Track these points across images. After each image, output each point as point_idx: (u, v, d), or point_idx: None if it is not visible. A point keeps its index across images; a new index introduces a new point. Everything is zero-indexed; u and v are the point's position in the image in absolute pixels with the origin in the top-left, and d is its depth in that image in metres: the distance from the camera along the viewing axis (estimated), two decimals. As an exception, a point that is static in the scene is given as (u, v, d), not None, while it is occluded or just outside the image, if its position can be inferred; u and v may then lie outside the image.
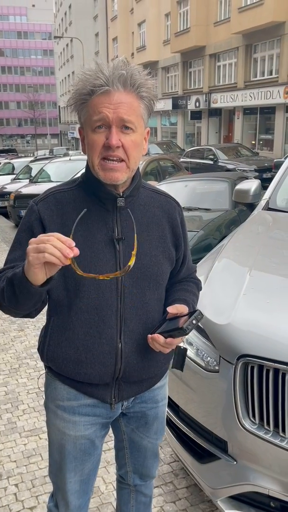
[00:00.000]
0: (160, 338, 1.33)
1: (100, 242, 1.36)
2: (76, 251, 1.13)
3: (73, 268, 1.17)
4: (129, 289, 1.39)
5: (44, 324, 1.52)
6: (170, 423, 2.23)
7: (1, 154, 26.13)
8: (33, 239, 1.15)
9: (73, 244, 1.13)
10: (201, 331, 2.03)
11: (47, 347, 1.45)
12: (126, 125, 1.26)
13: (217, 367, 1.88)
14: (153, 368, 1.49)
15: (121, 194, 1.35)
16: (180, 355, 1.54)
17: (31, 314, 1.37)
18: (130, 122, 1.26)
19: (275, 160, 13.69)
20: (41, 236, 1.14)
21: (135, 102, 1.27)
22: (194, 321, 1.29)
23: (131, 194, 1.38)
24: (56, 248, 1.11)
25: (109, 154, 1.27)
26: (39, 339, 1.52)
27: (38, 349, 1.51)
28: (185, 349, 1.55)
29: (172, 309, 1.37)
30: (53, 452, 1.57)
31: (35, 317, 1.52)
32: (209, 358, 1.94)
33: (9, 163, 17.23)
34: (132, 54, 32.88)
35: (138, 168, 1.39)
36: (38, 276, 1.16)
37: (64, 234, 1.28)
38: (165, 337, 1.33)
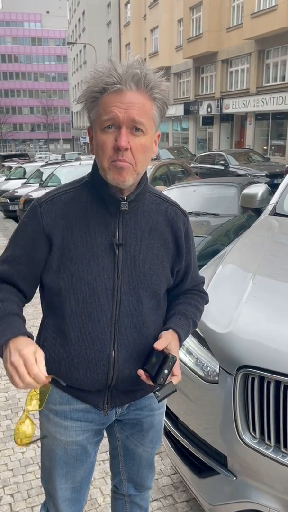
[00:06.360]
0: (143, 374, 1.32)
1: (99, 246, 1.32)
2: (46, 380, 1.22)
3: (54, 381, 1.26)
4: (126, 296, 1.35)
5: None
6: (168, 435, 2.15)
7: (13, 159, 26.21)
8: (13, 360, 1.19)
9: (45, 373, 1.21)
10: (201, 340, 1.95)
11: (41, 348, 1.41)
12: (137, 126, 1.22)
13: (216, 378, 1.80)
14: None
15: (125, 198, 1.31)
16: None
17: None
18: (141, 124, 1.22)
19: (286, 166, 13.57)
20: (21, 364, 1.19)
21: (147, 103, 1.23)
22: (166, 371, 1.28)
23: (135, 199, 1.33)
24: (31, 375, 1.19)
25: (118, 158, 1.23)
26: (36, 339, 1.49)
27: None
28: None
29: (158, 345, 1.32)
30: (44, 457, 1.54)
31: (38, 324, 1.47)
32: (208, 368, 1.86)
33: (21, 167, 17.33)
34: (145, 59, 32.90)
35: (145, 173, 1.34)
36: None
37: (67, 236, 1.32)
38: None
